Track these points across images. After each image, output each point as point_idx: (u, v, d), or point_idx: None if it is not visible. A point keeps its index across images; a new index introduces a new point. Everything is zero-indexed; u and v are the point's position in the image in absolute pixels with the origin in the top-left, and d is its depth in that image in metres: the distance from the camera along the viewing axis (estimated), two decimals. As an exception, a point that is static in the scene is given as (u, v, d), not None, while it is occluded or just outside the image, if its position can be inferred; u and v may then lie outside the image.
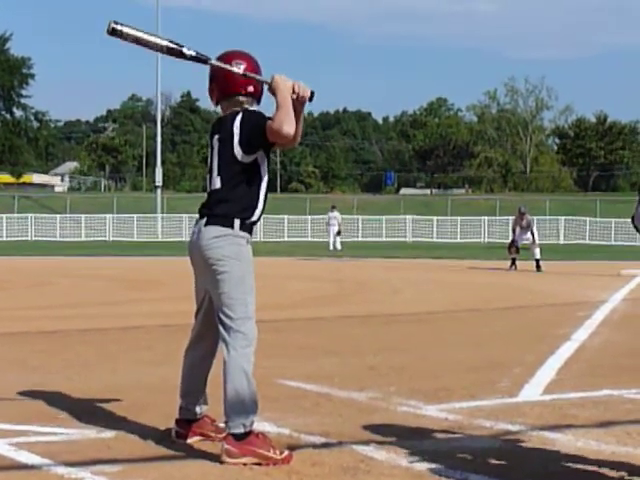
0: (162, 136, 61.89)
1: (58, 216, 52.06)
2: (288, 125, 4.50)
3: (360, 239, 48.34)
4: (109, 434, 5.03)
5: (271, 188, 4.83)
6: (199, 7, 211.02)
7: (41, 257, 29.49)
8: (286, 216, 50.11)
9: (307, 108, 4.76)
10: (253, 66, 4.77)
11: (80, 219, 51.19)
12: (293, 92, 4.58)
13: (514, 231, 24.04)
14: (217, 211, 4.65)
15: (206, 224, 4.66)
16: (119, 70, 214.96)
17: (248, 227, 4.69)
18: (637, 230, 4.09)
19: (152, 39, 4.57)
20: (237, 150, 4.62)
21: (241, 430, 4.50)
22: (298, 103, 4.61)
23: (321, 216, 46.83)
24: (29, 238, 48.46)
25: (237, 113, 4.67)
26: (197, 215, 4.76)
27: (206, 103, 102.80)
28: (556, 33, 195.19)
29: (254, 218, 4.71)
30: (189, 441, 4.86)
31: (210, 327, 4.74)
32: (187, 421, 4.90)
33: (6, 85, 76.26)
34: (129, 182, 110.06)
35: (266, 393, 5.18)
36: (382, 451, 4.72)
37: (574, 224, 50.36)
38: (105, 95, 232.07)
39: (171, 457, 4.63)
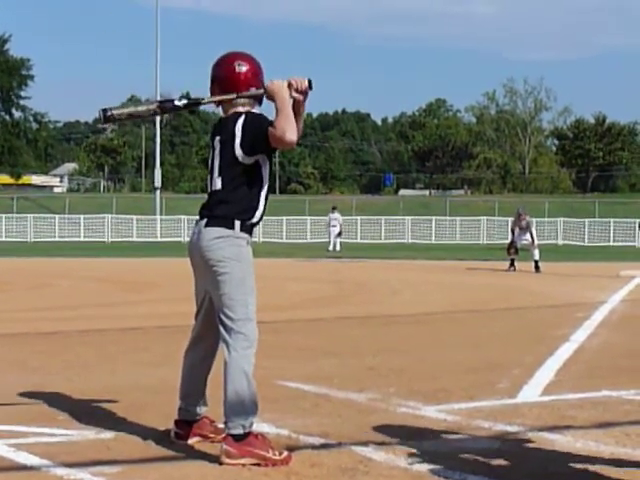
0: (161, 137, 61.82)
1: (57, 217, 51.96)
2: (290, 132, 4.50)
3: (359, 240, 48.31)
4: (108, 435, 5.04)
5: (270, 189, 4.83)
6: (198, 8, 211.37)
7: (40, 258, 29.47)
8: (285, 217, 50.06)
9: (307, 108, 4.76)
10: (255, 68, 4.78)
11: (79, 220, 51.10)
12: (290, 87, 4.59)
13: (513, 232, 24.05)
14: (218, 212, 4.66)
15: (206, 225, 4.66)
16: (118, 71, 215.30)
17: (249, 228, 4.69)
18: None
19: (143, 108, 4.63)
20: (238, 152, 4.62)
21: (240, 431, 4.51)
22: (300, 96, 4.61)
23: (320, 217, 46.78)
24: (28, 239, 48.41)
25: (239, 115, 4.68)
26: (197, 216, 4.76)
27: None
28: (555, 34, 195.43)
29: (255, 219, 4.71)
30: (188, 442, 4.87)
31: (210, 328, 4.75)
32: (186, 422, 4.91)
33: (5, 86, 76.18)
34: (128, 183, 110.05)
35: (265, 394, 5.19)
36: (381, 452, 4.73)
37: (573, 225, 50.30)
38: (104, 96, 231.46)
39: (170, 458, 4.63)
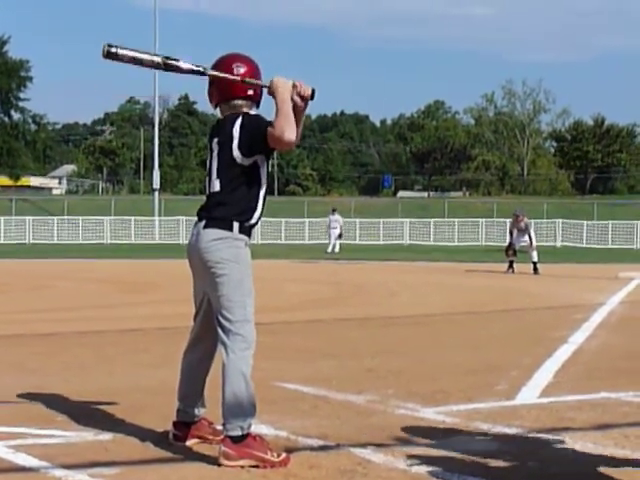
0: (160, 139, 61.82)
1: (55, 218, 51.92)
2: (289, 132, 4.49)
3: (357, 242, 48.29)
4: (107, 436, 5.03)
5: (268, 191, 4.82)
6: (197, 10, 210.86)
7: (39, 260, 29.46)
8: (284, 219, 50.05)
9: (307, 109, 4.75)
10: (253, 70, 4.77)
11: (78, 222, 51.07)
12: (294, 88, 4.58)
13: (511, 234, 24.04)
14: (216, 214, 4.65)
15: (205, 227, 4.66)
16: (117, 73, 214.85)
17: (247, 230, 4.69)
18: None
19: (147, 57, 4.59)
20: (236, 153, 4.62)
21: (239, 433, 4.51)
22: (300, 101, 4.61)
23: (319, 219, 46.77)
24: (26, 241, 48.38)
25: (237, 116, 4.67)
26: (195, 218, 4.76)
27: (204, 106, 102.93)
28: (553, 36, 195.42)
29: (253, 221, 4.71)
30: (187, 444, 4.86)
31: (209, 329, 4.74)
32: (185, 424, 4.90)
33: (4, 88, 76.11)
34: (127, 185, 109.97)
35: (263, 395, 5.18)
36: (379, 454, 4.72)
37: (571, 227, 50.28)
38: (103, 98, 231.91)
39: (169, 459, 4.63)
